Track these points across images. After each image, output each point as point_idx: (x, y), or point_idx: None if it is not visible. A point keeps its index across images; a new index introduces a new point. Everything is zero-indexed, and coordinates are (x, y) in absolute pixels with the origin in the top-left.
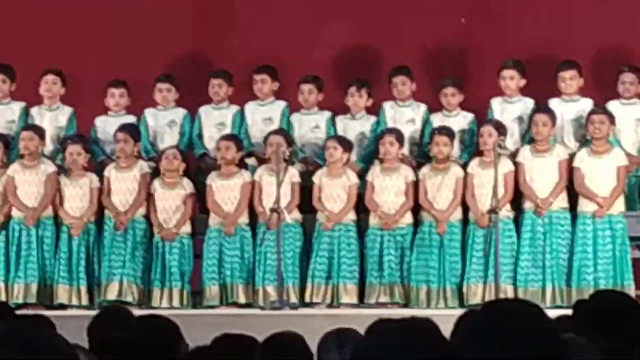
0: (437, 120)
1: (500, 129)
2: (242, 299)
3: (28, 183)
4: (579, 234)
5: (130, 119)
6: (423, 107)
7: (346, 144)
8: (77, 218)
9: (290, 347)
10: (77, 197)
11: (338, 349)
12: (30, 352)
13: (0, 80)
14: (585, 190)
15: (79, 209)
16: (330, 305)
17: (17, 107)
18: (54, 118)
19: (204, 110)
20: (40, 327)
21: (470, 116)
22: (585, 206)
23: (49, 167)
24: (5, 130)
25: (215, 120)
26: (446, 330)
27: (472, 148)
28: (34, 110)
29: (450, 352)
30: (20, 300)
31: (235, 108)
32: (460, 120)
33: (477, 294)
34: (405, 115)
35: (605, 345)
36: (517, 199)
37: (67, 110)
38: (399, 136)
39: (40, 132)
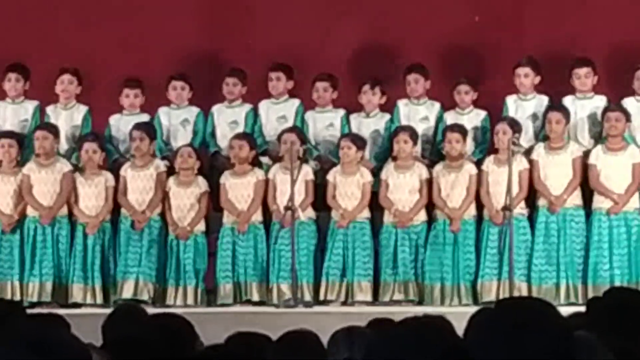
0: (450, 117)
1: (515, 126)
2: (255, 297)
3: (44, 182)
4: (594, 231)
5: (144, 117)
6: (437, 105)
7: (360, 143)
8: (92, 217)
9: (303, 345)
10: (92, 196)
11: (348, 347)
12: (43, 352)
13: (14, 79)
14: (600, 187)
15: (95, 207)
16: (344, 303)
17: (31, 106)
18: (69, 117)
19: (216, 109)
20: (53, 326)
21: (483, 114)
22: (600, 203)
23: (65, 166)
24: (19, 129)
25: (228, 119)
26: (460, 327)
27: (485, 145)
28: (49, 109)
29: (463, 350)
30: (35, 299)
31: (248, 106)
32: (473, 118)
33: (491, 291)
34: (419, 113)
35: (619, 342)
36: (532, 196)
37: (83, 109)
38: (413, 134)
39: (54, 130)
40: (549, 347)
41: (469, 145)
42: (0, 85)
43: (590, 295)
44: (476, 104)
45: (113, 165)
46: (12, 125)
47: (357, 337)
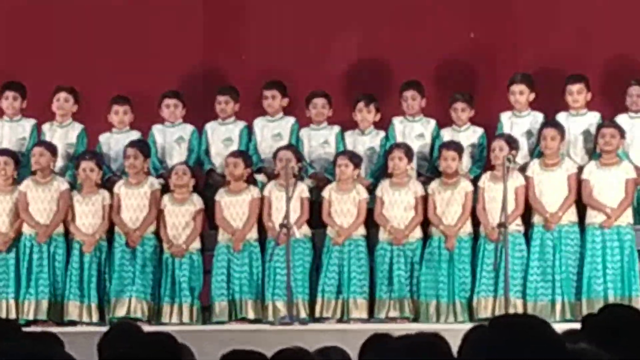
0: (447, 135)
1: (512, 143)
2: (251, 315)
3: (40, 199)
4: (587, 246)
5: (135, 134)
6: (432, 122)
7: (357, 160)
8: (89, 235)
9: None
10: (89, 214)
11: None
12: None
13: (11, 98)
14: (593, 202)
15: (91, 225)
16: (340, 320)
17: (28, 124)
18: (64, 135)
19: (210, 127)
20: (47, 345)
21: (480, 131)
22: (593, 218)
23: (62, 184)
24: (16, 147)
25: (222, 136)
26: (456, 344)
27: (482, 162)
28: (45, 127)
29: None
30: (31, 317)
31: (242, 124)
32: (470, 135)
33: (487, 308)
34: (415, 130)
35: (614, 358)
36: (527, 213)
37: (78, 127)
38: (408, 151)
39: (52, 148)
40: None
41: (466, 163)
42: None
43: (585, 309)
44: (472, 120)
45: (106, 183)
46: (10, 144)
47: (333, 357)
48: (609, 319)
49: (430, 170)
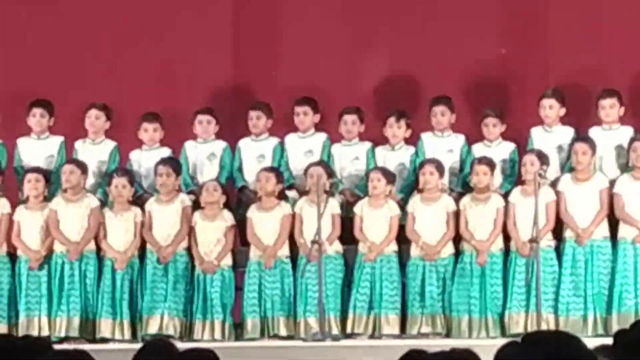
0: (478, 150)
1: (543, 158)
2: (283, 332)
3: (71, 217)
4: (619, 260)
5: (166, 152)
6: (462, 138)
7: (390, 176)
8: (121, 252)
9: None
10: (121, 231)
11: None
12: None
13: (39, 115)
14: (625, 216)
15: (123, 243)
16: (372, 336)
17: (56, 141)
18: (97, 152)
19: (243, 143)
20: None
21: (511, 146)
22: (625, 232)
23: (93, 202)
24: (44, 165)
25: (255, 153)
26: (488, 359)
27: (513, 178)
28: (77, 144)
29: None
30: (63, 334)
31: (275, 140)
32: (501, 150)
33: (519, 323)
34: (444, 146)
35: None
36: (558, 227)
37: (110, 145)
38: (438, 166)
39: (82, 166)
40: None
41: (497, 178)
42: (24, 121)
43: (616, 324)
44: (503, 136)
45: (137, 201)
46: (38, 161)
47: None
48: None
49: (461, 185)
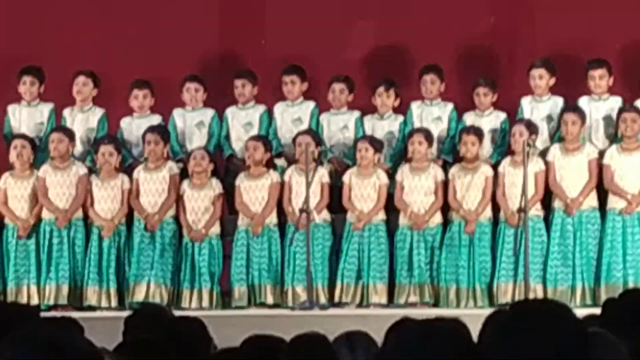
0: (469, 119)
1: (532, 128)
2: (270, 300)
3: (59, 184)
4: (608, 231)
5: (156, 119)
6: (450, 106)
7: (377, 145)
8: (108, 220)
9: (314, 349)
10: (108, 199)
11: (350, 352)
12: (55, 354)
13: (29, 82)
14: (614, 187)
15: (110, 210)
16: (359, 305)
17: (46, 109)
18: (85, 119)
19: (230, 111)
20: (66, 329)
21: (502, 116)
22: (614, 203)
23: (80, 169)
24: (34, 132)
25: (242, 121)
26: (476, 330)
27: (503, 147)
28: (66, 112)
29: (477, 353)
30: (52, 302)
31: (262, 108)
32: (493, 120)
33: (507, 293)
34: (432, 114)
35: (634, 344)
36: (547, 197)
37: (99, 112)
38: (428, 135)
39: (69, 133)
40: (563, 349)
41: (487, 148)
42: (16, 88)
43: (604, 295)
44: (494, 105)
45: (127, 169)
46: (28, 128)
47: (358, 342)
48: (630, 303)
49: (449, 153)
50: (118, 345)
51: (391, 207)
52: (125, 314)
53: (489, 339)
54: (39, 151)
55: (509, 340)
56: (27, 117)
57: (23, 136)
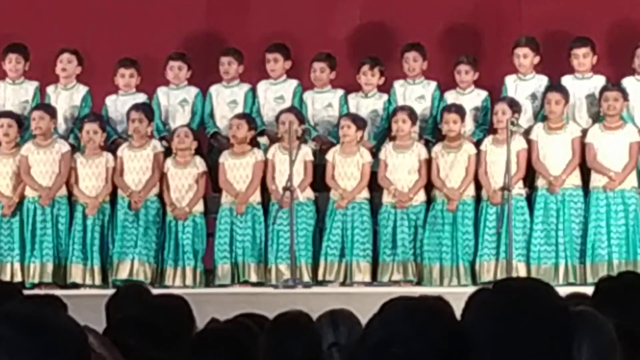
0: (451, 97)
1: (514, 106)
2: (253, 278)
3: (42, 162)
4: (592, 209)
5: (141, 97)
6: (433, 84)
7: (360, 122)
8: (92, 197)
9: (297, 327)
10: (92, 177)
11: (333, 331)
12: (37, 332)
13: (14, 60)
14: (597, 166)
15: (94, 188)
16: (343, 284)
17: (31, 87)
18: (69, 97)
19: (215, 89)
20: (49, 307)
21: (484, 94)
22: (597, 181)
23: (63, 147)
24: (19, 110)
25: (227, 99)
26: (459, 308)
27: (485, 126)
28: (49, 89)
29: (460, 331)
30: (36, 280)
31: (246, 86)
32: (474, 98)
33: (489, 271)
34: (415, 93)
35: (627, 325)
36: (531, 176)
37: (83, 90)
38: (411, 113)
39: (51, 110)
40: (546, 327)
41: (470, 126)
42: (0, 65)
43: (589, 273)
44: (476, 84)
45: (111, 146)
46: (13, 106)
47: (342, 320)
48: (623, 285)
49: (431, 132)
50: (104, 329)
51: (375, 186)
52: (109, 291)
53: (472, 318)
54: (24, 129)
55: (491, 319)
56: (11, 94)
57: (9, 114)
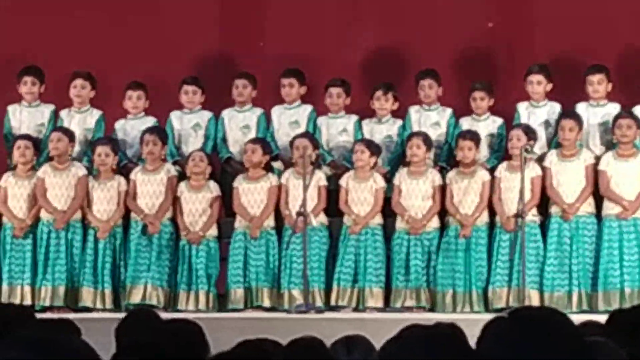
0: (466, 124)
1: (530, 133)
2: (266, 303)
3: (58, 185)
4: (604, 237)
5: (150, 121)
6: (448, 111)
7: (374, 148)
8: (103, 221)
9: (310, 353)
10: (105, 200)
11: (348, 356)
12: (50, 356)
13: (30, 83)
14: (610, 194)
15: (107, 212)
16: (355, 309)
17: (47, 110)
18: (82, 120)
19: (227, 114)
20: (62, 331)
21: (499, 120)
22: (610, 209)
23: (80, 170)
24: (35, 133)
25: (239, 123)
26: (472, 334)
27: (500, 152)
28: (63, 113)
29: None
30: (47, 303)
31: (259, 110)
32: (489, 124)
33: (501, 298)
34: (431, 119)
35: (636, 352)
36: (544, 203)
37: (96, 114)
38: (426, 139)
39: (69, 134)
40: (562, 357)
41: (484, 152)
42: (16, 88)
43: (601, 301)
44: (491, 110)
45: (122, 170)
46: (29, 129)
47: (356, 346)
48: (636, 314)
49: (445, 158)
50: (118, 348)
51: (388, 211)
52: (121, 315)
53: (487, 346)
54: (41, 152)
55: (508, 348)
56: (27, 117)
57: (27, 137)
